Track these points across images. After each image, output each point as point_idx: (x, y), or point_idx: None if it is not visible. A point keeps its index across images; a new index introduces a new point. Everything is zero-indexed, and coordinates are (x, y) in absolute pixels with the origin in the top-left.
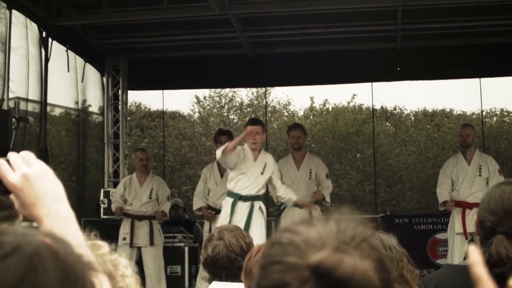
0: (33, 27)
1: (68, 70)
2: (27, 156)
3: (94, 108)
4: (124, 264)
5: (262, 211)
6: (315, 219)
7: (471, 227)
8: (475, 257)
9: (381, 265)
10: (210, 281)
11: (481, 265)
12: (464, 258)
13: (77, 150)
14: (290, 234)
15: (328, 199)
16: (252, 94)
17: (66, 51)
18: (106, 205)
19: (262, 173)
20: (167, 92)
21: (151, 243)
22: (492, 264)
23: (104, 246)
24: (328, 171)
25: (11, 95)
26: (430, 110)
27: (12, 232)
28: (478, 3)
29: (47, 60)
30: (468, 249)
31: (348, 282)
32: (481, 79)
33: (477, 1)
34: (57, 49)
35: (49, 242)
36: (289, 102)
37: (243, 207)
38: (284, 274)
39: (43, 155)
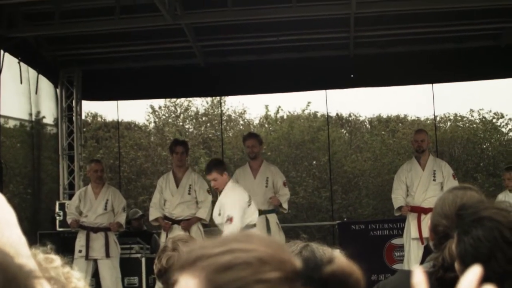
0: None
1: (21, 82)
2: None
3: (49, 119)
4: (76, 277)
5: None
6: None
7: (426, 232)
8: (419, 278)
9: None
10: None
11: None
12: (421, 263)
13: (32, 162)
14: (243, 253)
15: (285, 206)
16: (207, 103)
17: (19, 63)
18: (61, 218)
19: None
20: (121, 102)
21: (107, 255)
22: (446, 268)
23: (56, 259)
24: (285, 179)
25: None
26: (384, 116)
27: None
28: (430, 10)
29: None
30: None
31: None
32: (434, 85)
33: (428, 7)
34: (9, 61)
35: None
36: (245, 111)
37: None
38: None
39: None
